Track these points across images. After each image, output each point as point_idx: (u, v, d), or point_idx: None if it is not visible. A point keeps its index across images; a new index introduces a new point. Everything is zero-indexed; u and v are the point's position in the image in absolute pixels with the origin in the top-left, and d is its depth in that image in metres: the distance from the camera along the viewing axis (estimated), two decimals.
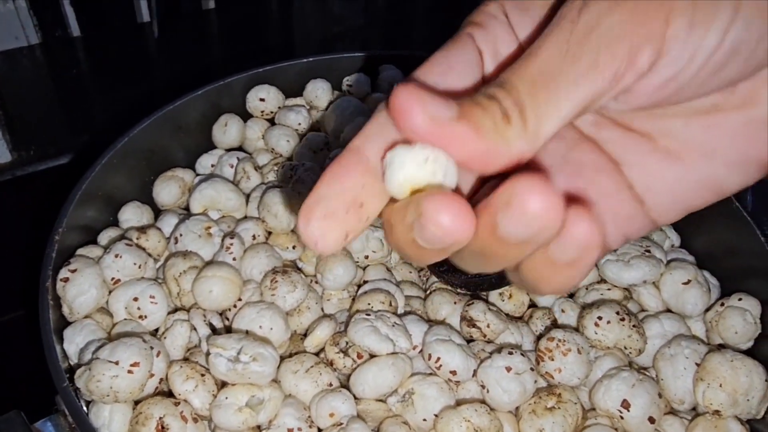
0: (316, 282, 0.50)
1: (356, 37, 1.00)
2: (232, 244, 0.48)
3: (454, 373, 0.43)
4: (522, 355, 0.43)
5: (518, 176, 0.19)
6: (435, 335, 0.44)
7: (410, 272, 0.53)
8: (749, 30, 0.20)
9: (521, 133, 0.20)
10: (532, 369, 0.43)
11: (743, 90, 0.22)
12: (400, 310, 0.49)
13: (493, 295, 0.51)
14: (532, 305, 0.51)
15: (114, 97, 0.84)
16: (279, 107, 0.60)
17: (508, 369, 0.42)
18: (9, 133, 0.76)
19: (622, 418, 0.41)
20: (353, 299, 0.49)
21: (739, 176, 0.24)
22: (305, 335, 0.47)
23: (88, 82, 0.87)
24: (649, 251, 0.50)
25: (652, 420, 0.41)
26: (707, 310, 0.48)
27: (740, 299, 0.46)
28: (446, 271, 0.51)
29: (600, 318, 0.45)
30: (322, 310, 0.49)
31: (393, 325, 0.44)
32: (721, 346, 0.46)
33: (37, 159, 0.75)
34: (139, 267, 0.46)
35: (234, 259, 0.48)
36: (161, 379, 0.42)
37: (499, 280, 0.50)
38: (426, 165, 0.20)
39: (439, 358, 0.43)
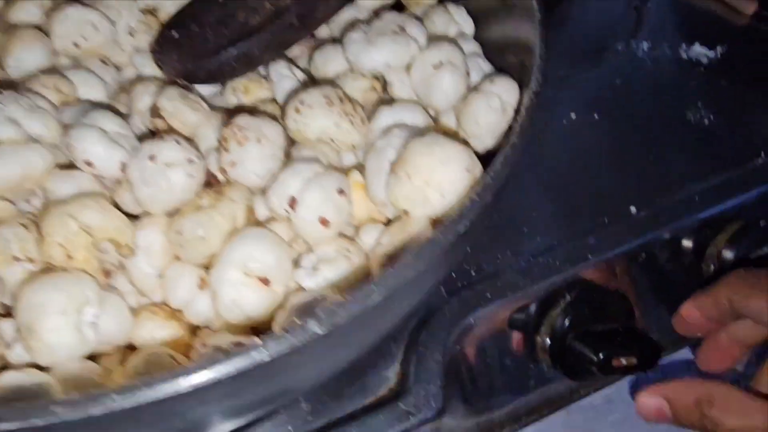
0: None
1: None
2: None
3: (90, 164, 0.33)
4: (179, 144, 0.33)
5: None
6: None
7: None
8: None
9: None
10: (192, 161, 0.33)
11: None
12: None
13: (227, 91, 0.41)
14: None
15: None
16: None
17: (153, 158, 0.33)
18: None
19: (289, 219, 0.32)
20: None
21: None
22: None
23: None
24: (403, 28, 0.38)
25: (324, 222, 0.32)
26: None
27: (492, 81, 0.35)
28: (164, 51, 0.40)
29: (302, 102, 0.35)
30: None
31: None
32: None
33: None
34: None
35: None
36: None
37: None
38: None
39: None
